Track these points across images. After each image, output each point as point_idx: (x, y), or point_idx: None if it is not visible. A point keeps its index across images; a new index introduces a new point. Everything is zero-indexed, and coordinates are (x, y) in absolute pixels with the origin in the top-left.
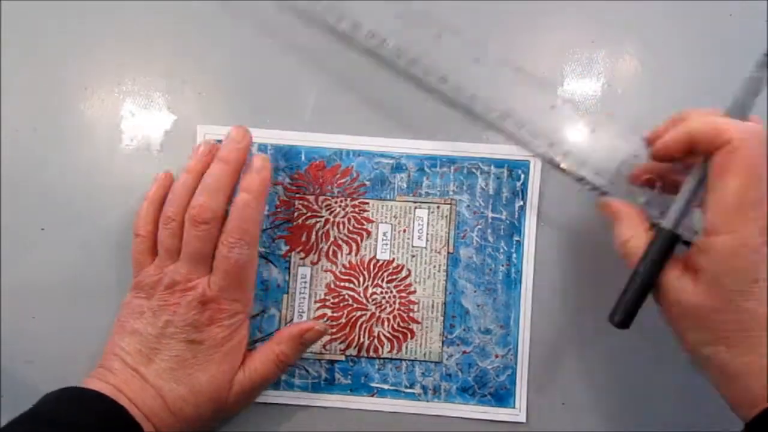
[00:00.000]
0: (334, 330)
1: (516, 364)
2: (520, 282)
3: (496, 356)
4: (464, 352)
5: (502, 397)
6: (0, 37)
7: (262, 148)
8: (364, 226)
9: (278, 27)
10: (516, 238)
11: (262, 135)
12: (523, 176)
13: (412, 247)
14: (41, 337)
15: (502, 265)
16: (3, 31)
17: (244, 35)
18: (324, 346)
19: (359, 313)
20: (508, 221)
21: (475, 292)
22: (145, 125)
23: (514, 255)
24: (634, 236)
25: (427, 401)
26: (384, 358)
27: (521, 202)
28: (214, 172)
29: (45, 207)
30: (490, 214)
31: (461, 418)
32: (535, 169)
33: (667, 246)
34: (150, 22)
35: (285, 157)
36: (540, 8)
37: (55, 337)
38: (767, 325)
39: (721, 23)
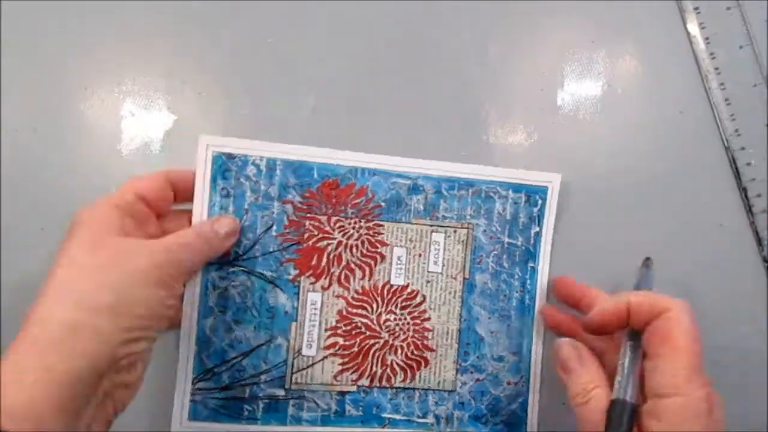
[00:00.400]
0: (346, 359)
1: (528, 391)
2: (534, 309)
3: (509, 383)
4: (477, 380)
5: (514, 425)
6: (0, 37)
7: (271, 163)
8: (378, 250)
9: (279, 27)
10: (531, 264)
11: (270, 149)
12: (540, 202)
13: (428, 272)
14: None
15: (516, 292)
16: (3, 31)
17: (244, 35)
18: (335, 376)
19: (372, 341)
20: (523, 247)
21: (489, 318)
22: (145, 125)
23: (528, 281)
24: (599, 387)
25: (440, 430)
26: (397, 388)
27: (537, 228)
28: None
29: (45, 207)
30: (506, 240)
31: None
32: (553, 196)
33: (632, 415)
34: (150, 22)
35: (295, 173)
36: (540, 8)
37: None
38: None
39: (721, 20)
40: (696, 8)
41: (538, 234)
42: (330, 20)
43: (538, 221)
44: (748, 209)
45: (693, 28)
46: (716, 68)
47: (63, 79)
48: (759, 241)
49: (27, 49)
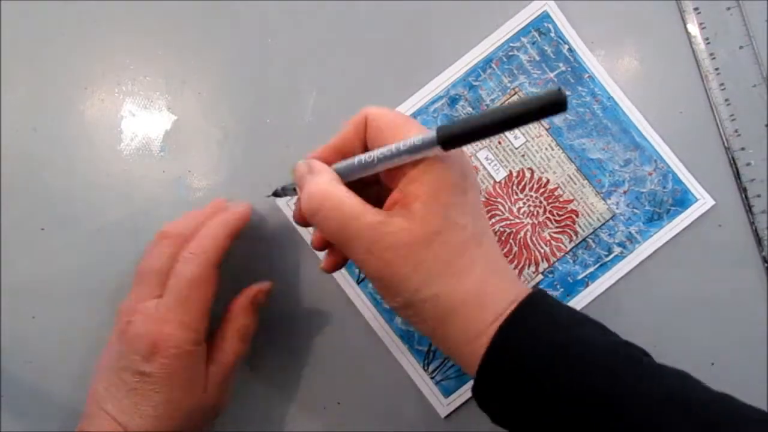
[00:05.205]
0: (515, 262)
1: (670, 166)
2: (618, 102)
3: (650, 174)
4: (624, 192)
5: (682, 201)
6: (0, 37)
7: None
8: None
9: (278, 26)
10: (586, 75)
11: None
12: (550, 26)
13: (516, 149)
14: (41, 337)
15: (594, 103)
16: (3, 31)
17: (244, 35)
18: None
19: (522, 231)
20: (570, 68)
21: (592, 141)
22: (145, 125)
23: (596, 88)
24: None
25: (632, 251)
26: (571, 249)
27: (567, 46)
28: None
29: (45, 207)
30: (552, 75)
31: (663, 243)
32: (555, 12)
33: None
34: (150, 22)
35: None
36: None
37: (55, 337)
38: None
39: (721, 20)
40: (696, 8)
41: (571, 50)
42: (329, 20)
43: (562, 40)
44: (748, 209)
45: (693, 28)
46: (716, 68)
47: (63, 79)
48: (759, 241)
49: (27, 49)
